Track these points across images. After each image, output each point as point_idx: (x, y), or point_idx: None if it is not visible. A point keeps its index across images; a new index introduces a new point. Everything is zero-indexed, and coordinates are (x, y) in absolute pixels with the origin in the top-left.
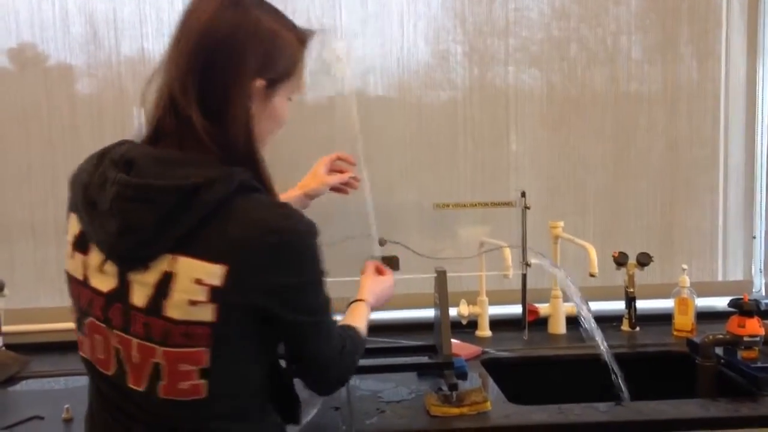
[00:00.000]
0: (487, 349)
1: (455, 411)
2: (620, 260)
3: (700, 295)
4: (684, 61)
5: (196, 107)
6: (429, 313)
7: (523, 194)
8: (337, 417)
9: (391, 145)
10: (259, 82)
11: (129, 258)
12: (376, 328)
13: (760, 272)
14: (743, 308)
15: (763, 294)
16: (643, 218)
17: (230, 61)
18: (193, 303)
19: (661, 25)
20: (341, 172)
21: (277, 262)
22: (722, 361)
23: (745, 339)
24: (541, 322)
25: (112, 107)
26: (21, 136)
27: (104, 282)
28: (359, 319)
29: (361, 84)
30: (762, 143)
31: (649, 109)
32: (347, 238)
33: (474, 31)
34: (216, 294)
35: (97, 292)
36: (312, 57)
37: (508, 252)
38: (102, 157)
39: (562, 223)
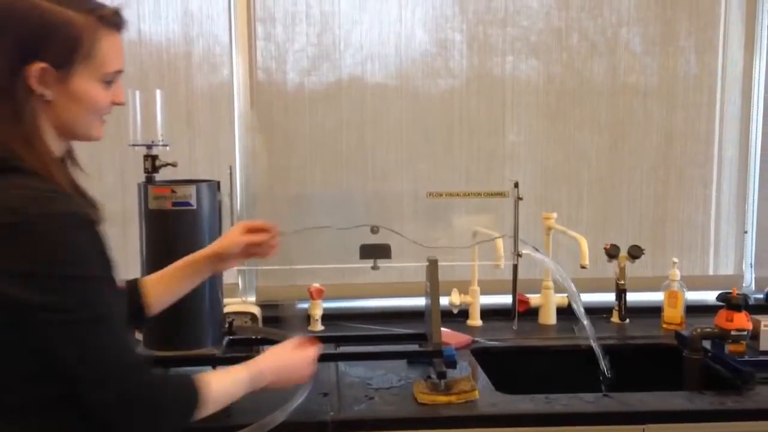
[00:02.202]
0: (477, 339)
1: (443, 399)
2: (612, 252)
3: (691, 288)
4: (682, 55)
5: None
6: (421, 302)
7: (516, 185)
8: (326, 403)
9: (388, 133)
10: (38, 65)
11: None
12: (367, 316)
13: (751, 267)
14: (731, 302)
15: (753, 288)
16: (636, 210)
17: None
18: None
19: (660, 17)
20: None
21: (13, 244)
22: (709, 354)
23: (733, 333)
24: (532, 313)
25: None
26: None
27: None
28: (218, 376)
29: (359, 72)
30: (756, 138)
31: (645, 102)
32: (353, 227)
33: (474, 19)
34: None
35: None
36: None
37: (500, 242)
38: None
39: (555, 215)
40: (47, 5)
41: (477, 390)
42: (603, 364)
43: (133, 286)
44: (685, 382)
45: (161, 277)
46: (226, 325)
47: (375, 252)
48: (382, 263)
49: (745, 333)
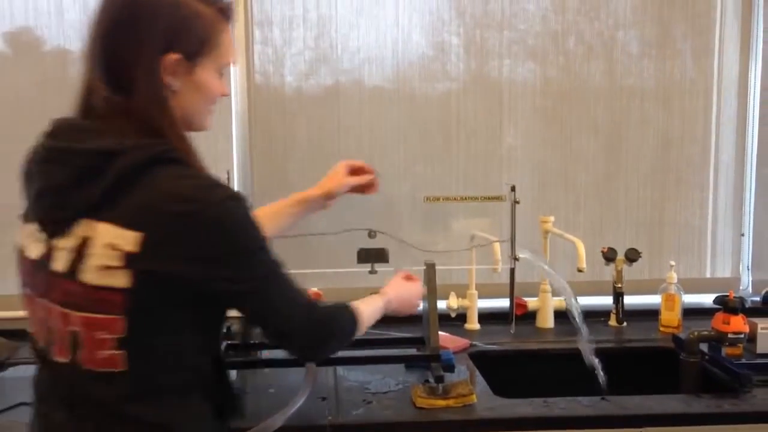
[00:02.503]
0: (475, 342)
1: (441, 403)
2: (609, 256)
3: (688, 291)
4: (678, 58)
5: (102, 83)
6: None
7: (513, 188)
8: (324, 407)
9: (385, 137)
10: (174, 56)
11: (51, 222)
12: None
13: (748, 270)
14: (728, 305)
15: (750, 291)
16: (633, 214)
17: (132, 37)
18: (107, 268)
19: (656, 20)
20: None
21: (191, 232)
22: (706, 357)
23: (730, 336)
24: (530, 316)
25: None
26: (13, 120)
27: (35, 249)
28: (364, 303)
29: (356, 75)
30: (752, 141)
31: (641, 105)
32: (343, 231)
33: (471, 23)
34: (130, 260)
35: (29, 260)
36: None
37: (497, 246)
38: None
39: (552, 218)
40: (183, 0)
41: (475, 394)
42: (600, 376)
43: None
44: (682, 386)
45: (271, 212)
46: (225, 329)
47: (372, 256)
48: (379, 267)
49: (742, 336)
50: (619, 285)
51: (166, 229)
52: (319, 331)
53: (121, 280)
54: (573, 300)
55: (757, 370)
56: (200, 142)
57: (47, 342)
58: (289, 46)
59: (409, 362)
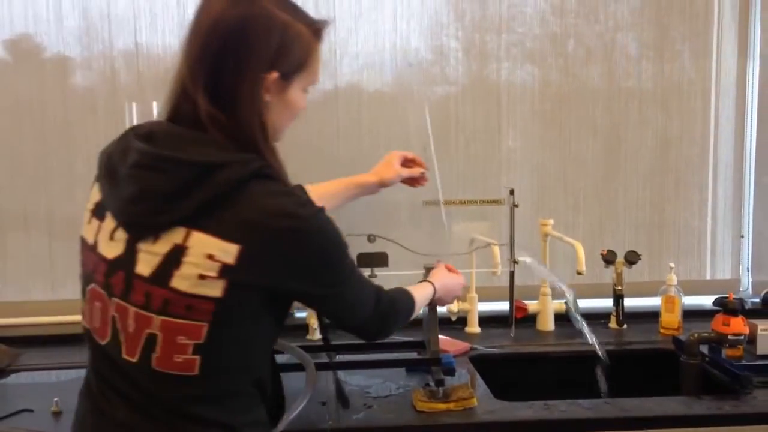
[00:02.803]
0: (475, 346)
1: (441, 406)
2: (609, 258)
3: (688, 293)
4: (676, 60)
5: (203, 95)
6: None
7: (512, 192)
8: (325, 411)
9: (384, 141)
10: (274, 75)
11: (139, 226)
12: None
13: (748, 271)
14: (728, 307)
15: (750, 293)
16: (633, 216)
17: (240, 53)
18: (202, 277)
19: (654, 23)
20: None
21: (290, 245)
22: (707, 359)
23: (730, 337)
24: (530, 319)
25: (104, 100)
26: (14, 127)
27: (111, 248)
28: (416, 288)
29: (355, 79)
30: (751, 143)
31: (640, 107)
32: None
33: (470, 26)
34: (226, 271)
35: (102, 258)
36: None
37: (496, 249)
38: (128, 131)
39: (551, 221)
40: (287, 18)
41: (475, 397)
42: (601, 353)
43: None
44: (682, 387)
45: (328, 192)
46: None
47: (372, 261)
48: (379, 272)
49: (742, 337)
50: (619, 287)
51: (264, 243)
52: (385, 321)
53: (214, 290)
54: (571, 298)
55: (758, 372)
56: None
57: (111, 340)
58: None
59: (410, 366)
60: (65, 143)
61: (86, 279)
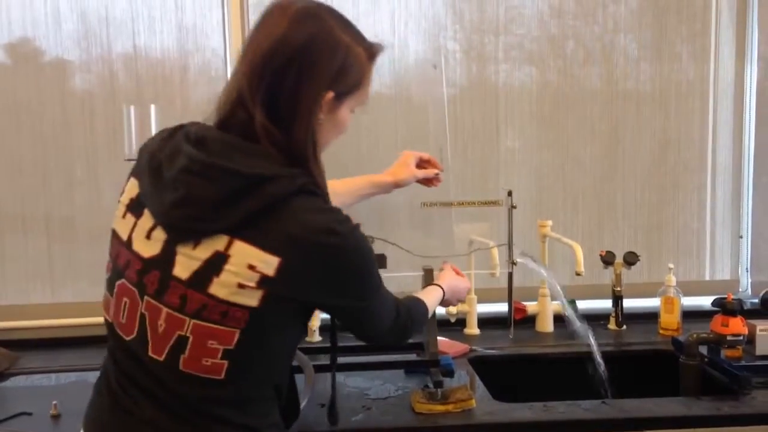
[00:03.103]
0: (474, 347)
1: (440, 408)
2: (607, 259)
3: (688, 294)
4: (674, 62)
5: (261, 109)
6: None
7: (510, 193)
8: (323, 413)
9: (383, 142)
10: (330, 95)
11: (181, 230)
12: None
13: (747, 272)
14: (726, 307)
15: (750, 293)
16: (632, 217)
17: (303, 72)
18: (241, 286)
19: (652, 25)
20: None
21: (331, 260)
22: (706, 359)
23: (729, 338)
24: (530, 320)
25: (103, 103)
26: (12, 130)
27: (147, 247)
28: (427, 294)
29: None
30: (749, 144)
31: (639, 109)
32: None
33: (469, 28)
34: (265, 282)
35: (137, 255)
36: None
37: (495, 251)
38: (175, 131)
39: (550, 222)
40: (348, 40)
41: (474, 399)
42: (600, 371)
43: None
44: (682, 388)
45: (347, 189)
46: None
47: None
48: None
49: (741, 338)
50: (618, 288)
51: (304, 257)
52: (403, 332)
53: (251, 299)
54: (565, 301)
55: (757, 372)
56: None
57: (137, 336)
58: None
59: (409, 368)
60: (64, 146)
61: (116, 274)
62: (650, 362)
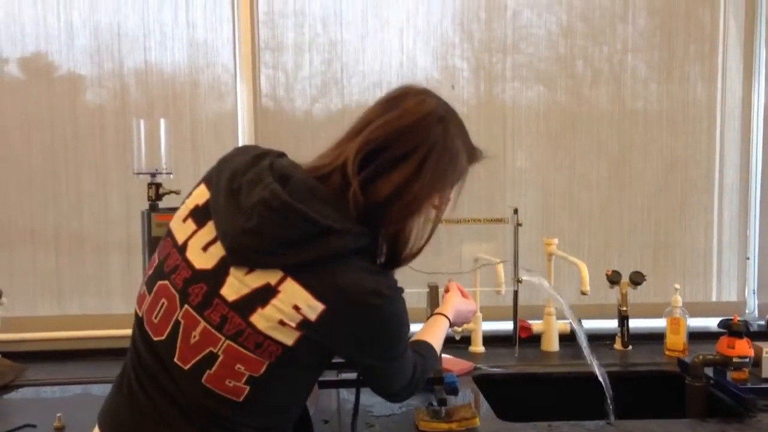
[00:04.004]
0: (479, 365)
1: (444, 426)
2: (613, 279)
3: (694, 315)
4: (682, 82)
5: (357, 182)
6: None
7: (516, 211)
8: (327, 430)
9: None
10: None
11: (242, 255)
12: None
13: (754, 293)
14: (732, 329)
15: (757, 315)
16: (638, 236)
17: (421, 169)
18: (282, 323)
19: (660, 46)
20: None
21: (370, 320)
22: (712, 381)
23: (735, 360)
24: (535, 339)
25: (114, 118)
26: (24, 144)
27: (201, 259)
28: (435, 333)
29: (363, 98)
30: (757, 165)
31: (646, 128)
32: None
33: (479, 47)
34: (305, 325)
35: (188, 263)
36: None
37: (500, 268)
38: (261, 157)
39: (556, 240)
40: (462, 148)
41: (478, 417)
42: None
43: None
44: (688, 410)
45: None
46: None
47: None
48: None
49: (747, 360)
50: (624, 308)
51: (347, 312)
52: (415, 388)
53: (288, 338)
54: (574, 320)
55: (763, 395)
56: (206, 167)
57: (167, 340)
58: (295, 71)
59: None
60: (74, 159)
61: (159, 273)
62: (656, 383)
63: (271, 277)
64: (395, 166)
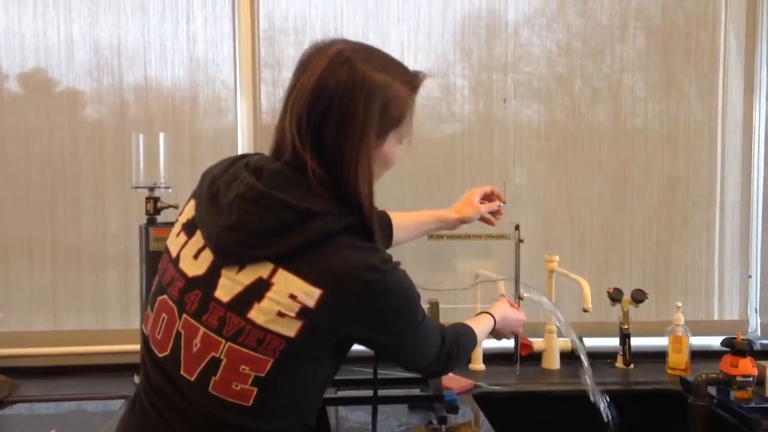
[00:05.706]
0: (479, 383)
1: None
2: (615, 296)
3: (696, 333)
4: (683, 100)
5: (311, 157)
6: None
7: (517, 227)
8: None
9: (390, 176)
10: (374, 137)
11: (228, 253)
12: (368, 359)
13: (756, 312)
14: (736, 348)
15: (759, 334)
16: (639, 254)
17: (342, 120)
18: (281, 315)
19: (659, 64)
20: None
21: (371, 296)
22: (715, 400)
23: (738, 379)
24: (536, 357)
25: (113, 132)
26: (22, 158)
27: (193, 267)
28: (477, 322)
29: None
30: (758, 182)
31: (647, 146)
32: None
33: (478, 65)
34: (305, 313)
35: (182, 273)
36: None
37: (501, 285)
38: (237, 160)
39: (557, 258)
40: (386, 80)
41: None
42: (607, 414)
43: (387, 220)
44: (690, 429)
45: (412, 222)
46: None
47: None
48: None
49: (751, 379)
50: (626, 326)
51: (346, 292)
52: (449, 360)
53: (289, 329)
54: (575, 338)
55: (766, 414)
56: None
57: (170, 354)
58: None
59: (412, 403)
60: (72, 174)
61: (159, 289)
62: (658, 402)
63: (263, 271)
64: (325, 127)
